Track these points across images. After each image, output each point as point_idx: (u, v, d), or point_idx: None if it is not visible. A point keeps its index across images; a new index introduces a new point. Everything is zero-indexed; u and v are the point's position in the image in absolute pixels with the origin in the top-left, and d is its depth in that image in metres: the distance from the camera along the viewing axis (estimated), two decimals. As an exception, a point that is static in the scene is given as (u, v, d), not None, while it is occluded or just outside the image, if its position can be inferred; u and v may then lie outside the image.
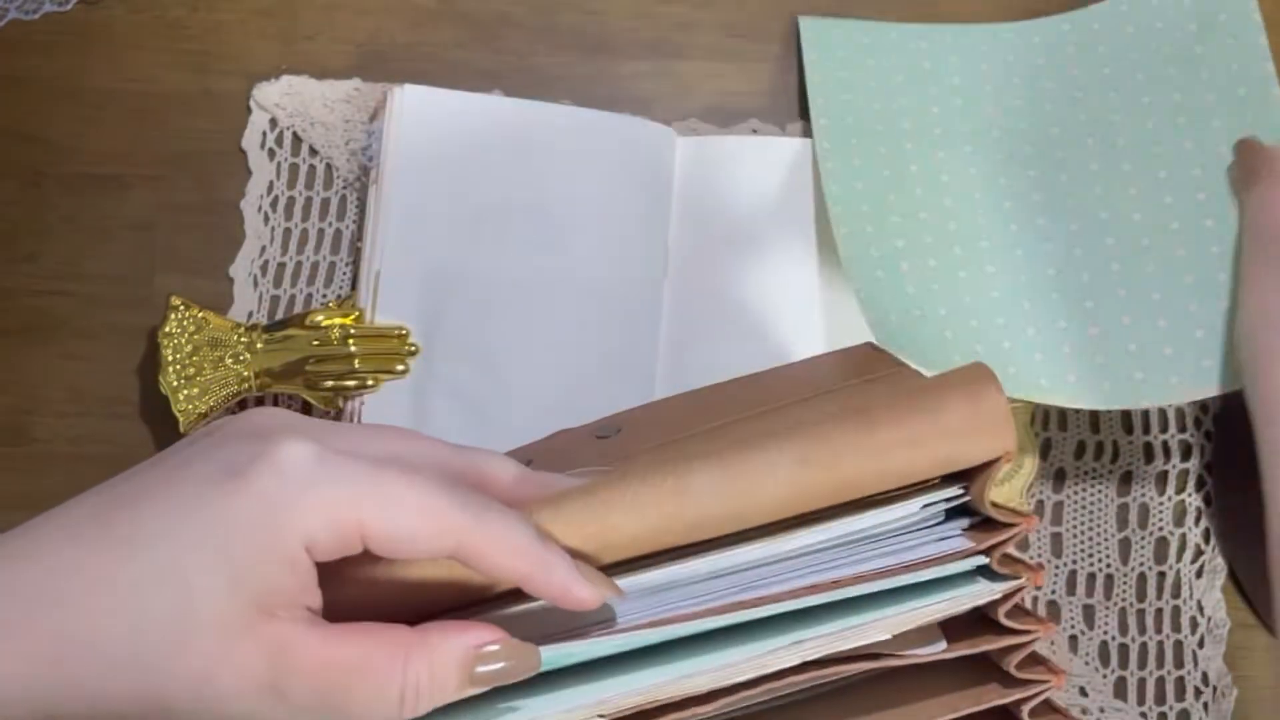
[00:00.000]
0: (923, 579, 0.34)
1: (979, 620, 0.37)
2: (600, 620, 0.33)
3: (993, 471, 0.34)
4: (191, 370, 0.54)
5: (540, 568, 0.30)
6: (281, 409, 0.32)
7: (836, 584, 0.33)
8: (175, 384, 0.54)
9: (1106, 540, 0.58)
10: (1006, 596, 0.35)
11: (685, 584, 0.33)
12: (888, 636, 0.33)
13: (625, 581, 0.33)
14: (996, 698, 0.36)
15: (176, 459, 0.30)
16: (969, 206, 0.59)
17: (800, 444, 0.34)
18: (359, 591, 0.31)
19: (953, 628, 0.37)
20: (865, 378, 0.42)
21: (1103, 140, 0.59)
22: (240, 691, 0.28)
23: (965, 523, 0.36)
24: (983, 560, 0.35)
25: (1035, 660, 0.37)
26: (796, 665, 0.33)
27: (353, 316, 0.56)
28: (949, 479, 0.36)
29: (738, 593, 0.33)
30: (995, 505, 0.35)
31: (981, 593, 0.35)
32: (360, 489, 0.29)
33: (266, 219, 0.60)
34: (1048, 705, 0.37)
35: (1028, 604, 0.39)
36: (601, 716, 0.32)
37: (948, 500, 0.35)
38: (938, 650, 0.35)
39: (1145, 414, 0.59)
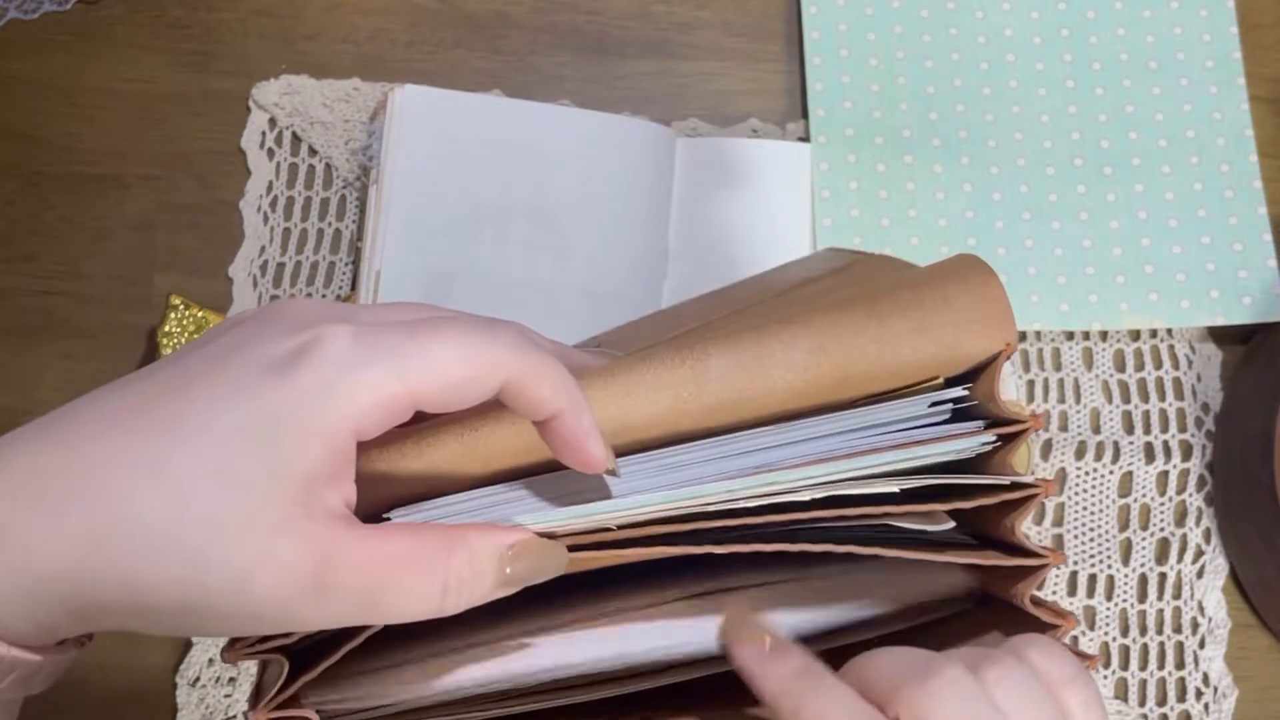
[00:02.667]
0: (933, 455, 0.34)
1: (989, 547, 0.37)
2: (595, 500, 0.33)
3: (997, 366, 0.35)
4: (191, 370, 0.54)
5: (573, 407, 0.30)
6: (312, 299, 0.32)
7: (850, 455, 0.33)
8: (175, 383, 0.54)
9: (1108, 541, 0.58)
10: (1019, 502, 0.35)
11: (697, 463, 0.34)
12: (896, 490, 0.33)
13: (638, 458, 0.33)
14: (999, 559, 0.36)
15: (214, 348, 0.29)
16: (960, 199, 0.61)
17: (814, 332, 0.35)
18: (375, 491, 0.32)
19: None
20: (837, 268, 0.44)
21: (1081, 81, 0.63)
22: (280, 591, 0.27)
23: (975, 424, 0.36)
24: (992, 439, 0.35)
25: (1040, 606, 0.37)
26: (806, 502, 0.33)
27: (352, 316, 0.56)
28: (952, 384, 0.36)
29: (750, 472, 0.33)
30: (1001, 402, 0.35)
31: (987, 447, 0.35)
32: (402, 359, 0.28)
33: (266, 219, 0.60)
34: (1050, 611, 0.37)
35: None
36: (613, 527, 0.32)
37: (954, 401, 0.36)
38: (946, 527, 0.35)
39: (1146, 414, 0.59)
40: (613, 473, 0.32)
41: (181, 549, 0.27)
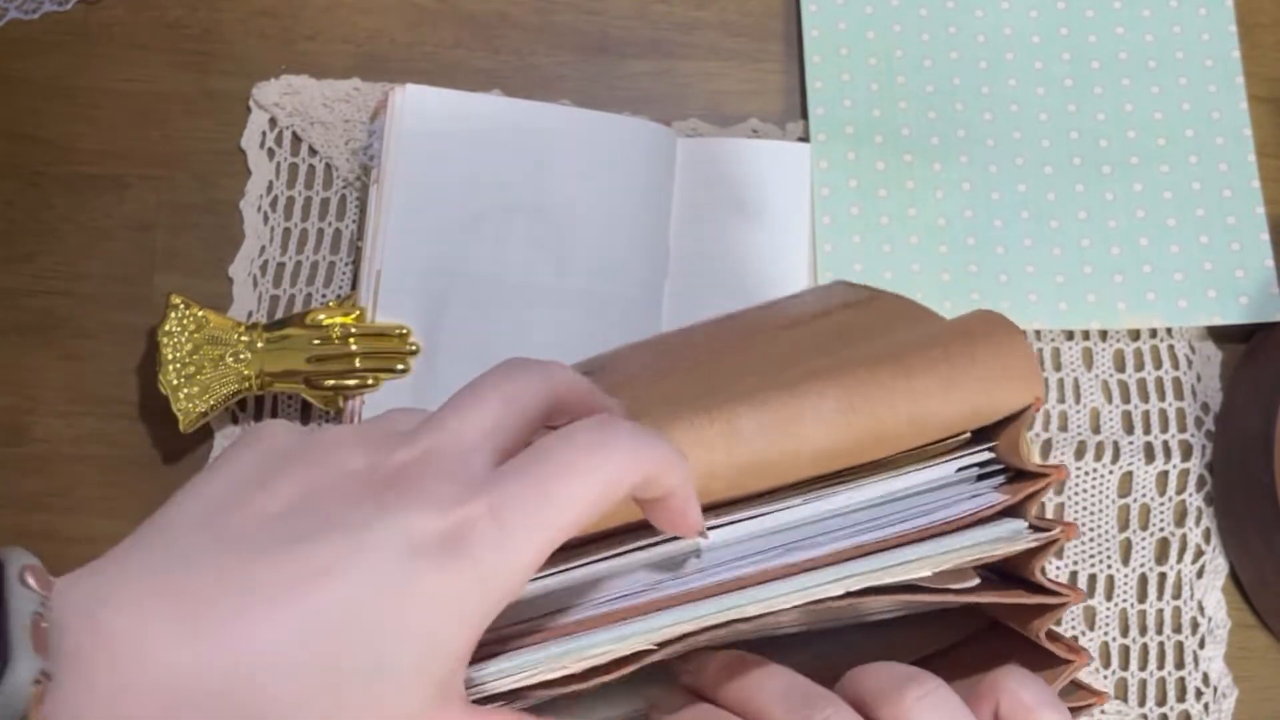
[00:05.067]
0: (966, 544, 0.35)
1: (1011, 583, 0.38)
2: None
3: (1023, 420, 0.36)
4: (192, 369, 0.54)
5: (684, 482, 0.30)
6: (360, 434, 0.31)
7: (882, 544, 0.34)
8: (175, 383, 0.54)
9: (1107, 541, 0.58)
10: (1042, 546, 0.36)
11: (730, 543, 0.34)
12: (929, 573, 0.34)
13: (669, 548, 0.34)
14: (1023, 597, 0.36)
15: (252, 542, 0.27)
16: (958, 198, 0.60)
17: (844, 391, 0.35)
18: None
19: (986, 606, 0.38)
20: (850, 302, 0.44)
21: (1080, 80, 0.63)
22: None
23: (998, 481, 0.37)
24: (1018, 522, 0.36)
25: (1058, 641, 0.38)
26: (839, 595, 0.34)
27: (353, 315, 0.56)
28: (978, 438, 0.37)
29: (783, 553, 0.34)
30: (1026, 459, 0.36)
31: (1020, 537, 0.36)
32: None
33: (266, 219, 0.60)
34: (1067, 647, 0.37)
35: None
36: (653, 647, 0.32)
37: (980, 465, 0.36)
38: (971, 585, 0.36)
39: (1146, 414, 0.59)
40: (703, 534, 0.32)
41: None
